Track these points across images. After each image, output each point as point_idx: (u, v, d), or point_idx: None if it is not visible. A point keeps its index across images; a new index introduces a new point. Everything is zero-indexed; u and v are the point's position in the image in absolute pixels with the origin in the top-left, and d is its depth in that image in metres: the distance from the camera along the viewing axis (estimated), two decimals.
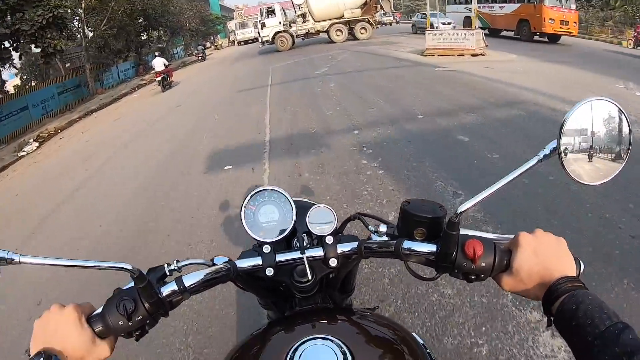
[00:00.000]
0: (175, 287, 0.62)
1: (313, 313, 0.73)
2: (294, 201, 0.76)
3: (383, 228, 0.69)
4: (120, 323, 0.58)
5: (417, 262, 0.65)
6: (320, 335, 0.58)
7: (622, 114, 0.56)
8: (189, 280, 0.63)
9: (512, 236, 0.61)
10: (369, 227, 0.71)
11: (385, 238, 0.69)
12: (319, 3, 19.55)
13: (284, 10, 21.49)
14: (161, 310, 0.61)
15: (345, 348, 0.56)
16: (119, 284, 0.63)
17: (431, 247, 0.63)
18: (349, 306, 0.89)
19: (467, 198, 0.77)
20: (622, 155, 0.57)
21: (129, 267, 0.57)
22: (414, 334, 0.72)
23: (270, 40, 20.52)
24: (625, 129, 0.57)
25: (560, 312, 0.51)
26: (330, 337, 0.58)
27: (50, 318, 0.56)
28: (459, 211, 0.57)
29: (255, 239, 0.73)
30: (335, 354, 0.55)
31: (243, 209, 0.74)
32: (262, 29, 20.82)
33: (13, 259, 0.55)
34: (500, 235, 0.64)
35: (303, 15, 20.43)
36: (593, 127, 0.56)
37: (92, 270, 1.00)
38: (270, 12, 20.95)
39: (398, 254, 0.64)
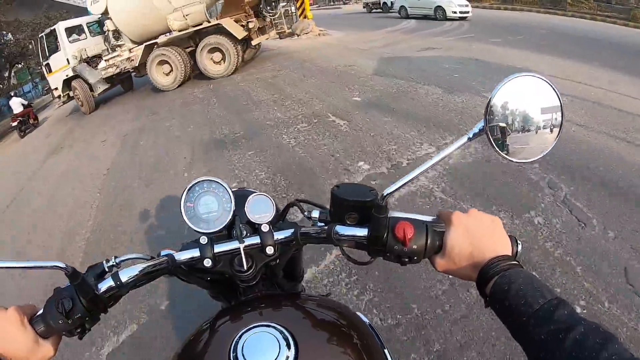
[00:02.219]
0: (112, 283, 0.62)
1: (258, 301, 0.73)
2: (233, 191, 0.73)
3: (315, 214, 0.69)
4: (60, 322, 0.57)
5: (350, 246, 0.66)
6: (262, 323, 0.58)
7: (551, 87, 0.56)
8: (126, 275, 0.62)
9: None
10: (304, 213, 0.72)
11: (320, 224, 0.68)
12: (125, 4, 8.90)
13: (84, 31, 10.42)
14: (100, 307, 0.61)
15: (287, 333, 0.56)
16: None
17: (362, 231, 0.63)
18: (299, 293, 0.88)
19: None
20: (554, 129, 0.57)
21: (62, 265, 0.58)
22: (359, 313, 0.74)
23: (62, 95, 10.36)
24: (555, 102, 0.57)
25: (493, 293, 0.50)
26: (272, 324, 0.58)
27: None
28: (385, 194, 0.59)
29: (196, 231, 0.70)
30: (277, 340, 0.55)
31: (182, 200, 0.71)
32: (47, 73, 10.68)
33: None
34: (435, 218, 0.62)
35: (114, 37, 9.69)
36: (520, 103, 0.56)
37: None
38: (51, 39, 10.19)
39: (330, 238, 0.64)
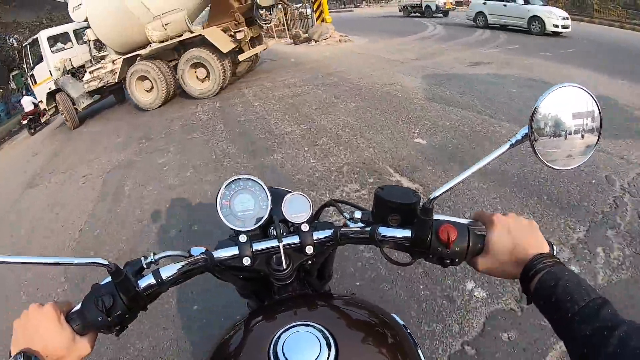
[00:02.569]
0: (152, 280, 0.62)
1: (293, 300, 0.73)
2: (269, 189, 0.74)
3: (358, 215, 0.69)
4: (99, 319, 0.57)
5: (392, 247, 0.66)
6: (302, 322, 0.59)
7: (591, 98, 0.58)
8: (166, 273, 0.63)
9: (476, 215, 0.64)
10: (344, 213, 0.71)
11: (360, 225, 0.68)
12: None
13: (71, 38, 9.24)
14: (140, 304, 0.61)
15: (327, 333, 0.56)
16: None
17: (406, 233, 0.63)
18: (331, 292, 0.89)
19: None
20: (593, 138, 0.59)
21: (104, 262, 0.56)
22: (393, 314, 0.73)
23: (47, 108, 9.37)
24: (595, 112, 0.59)
25: (539, 289, 0.51)
26: (311, 323, 0.58)
27: (29, 318, 0.56)
28: (431, 197, 0.59)
29: (232, 228, 0.71)
30: (318, 340, 0.55)
31: (218, 198, 0.72)
32: (33, 85, 9.70)
33: None
34: (472, 221, 0.64)
35: (96, 47, 8.43)
36: (563, 112, 0.58)
37: None
38: (35, 48, 9.18)
39: (373, 240, 0.65)
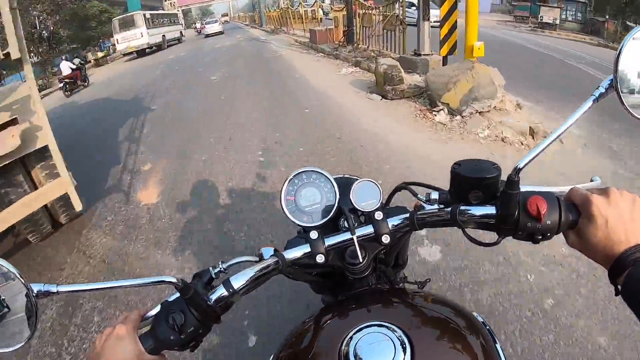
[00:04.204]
0: (224, 292, 0.59)
1: (367, 296, 0.70)
2: (335, 178, 0.71)
3: (435, 195, 0.63)
4: (171, 337, 0.55)
5: (476, 227, 0.61)
6: (376, 322, 0.56)
7: None
8: (238, 282, 0.60)
9: (569, 188, 0.58)
10: (418, 195, 0.66)
11: (437, 206, 0.63)
12: None
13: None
14: (212, 318, 0.58)
15: (402, 334, 0.54)
16: None
17: (490, 210, 0.58)
18: (403, 279, 0.81)
19: None
20: None
21: (172, 279, 0.55)
22: (474, 313, 0.68)
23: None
24: None
25: (628, 283, 0.49)
26: (386, 324, 0.55)
27: (108, 335, 0.56)
28: (518, 167, 0.54)
29: (300, 225, 0.68)
30: (393, 342, 0.52)
31: (283, 194, 0.69)
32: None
33: (50, 291, 0.53)
34: (560, 188, 0.59)
35: None
36: None
37: None
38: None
39: (455, 221, 0.60)
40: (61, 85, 11.72)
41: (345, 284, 0.73)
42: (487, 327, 0.66)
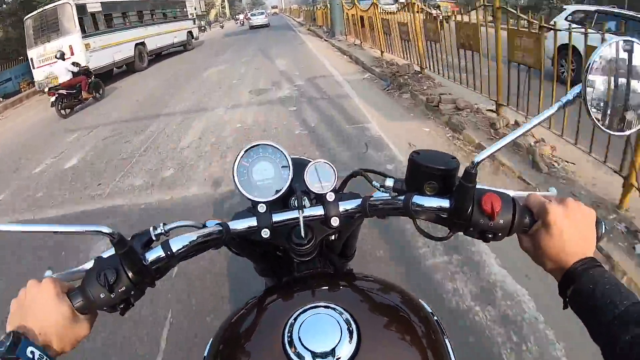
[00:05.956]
0: (161, 253, 0.56)
1: (313, 279, 0.69)
2: (292, 158, 0.69)
3: (390, 182, 0.63)
4: (101, 296, 0.52)
5: (428, 219, 0.60)
6: (322, 304, 0.56)
7: None
8: (177, 244, 0.57)
9: (527, 193, 0.59)
10: (373, 182, 0.66)
11: (391, 194, 0.62)
12: None
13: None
14: (147, 280, 0.55)
15: (349, 317, 0.53)
16: None
17: (443, 203, 0.57)
18: (353, 272, 0.80)
19: None
20: None
21: (107, 230, 0.50)
22: (421, 300, 0.68)
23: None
24: None
25: (577, 293, 0.49)
26: (332, 305, 0.55)
27: (26, 294, 0.52)
28: (476, 161, 0.53)
29: (249, 199, 0.66)
30: (339, 323, 0.52)
31: (236, 165, 0.67)
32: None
33: None
34: (518, 193, 0.59)
35: None
36: (621, 70, 0.53)
37: None
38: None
39: (407, 210, 0.58)
40: (53, 99, 7.20)
41: (289, 267, 0.72)
42: (436, 318, 0.66)
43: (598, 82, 0.53)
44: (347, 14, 11.61)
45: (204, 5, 52.69)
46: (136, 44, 12.37)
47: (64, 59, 7.93)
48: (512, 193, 0.58)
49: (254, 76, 8.78)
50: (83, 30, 10.10)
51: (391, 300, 0.64)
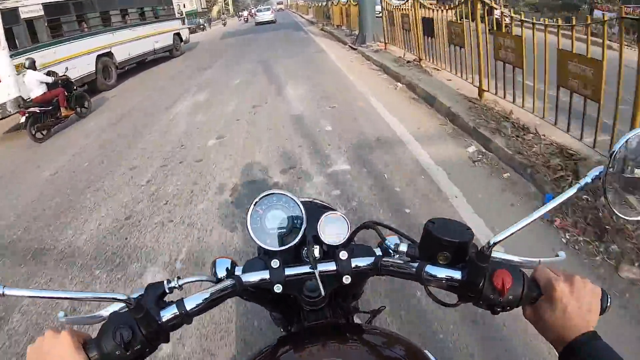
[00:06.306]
0: (176, 311, 0.58)
1: (323, 330, 0.71)
2: (303, 202, 0.70)
3: (403, 247, 0.64)
4: (117, 353, 0.53)
5: (439, 287, 0.61)
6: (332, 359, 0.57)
7: None
8: (191, 303, 0.59)
9: (537, 260, 0.61)
10: (386, 242, 0.67)
11: (404, 258, 0.64)
12: None
13: None
14: (161, 337, 0.57)
15: None
16: None
17: (455, 274, 0.58)
18: (356, 309, 0.87)
19: None
20: None
21: (123, 297, 0.54)
22: (426, 351, 0.69)
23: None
24: None
25: None
26: None
27: (44, 344, 0.53)
28: (492, 242, 0.54)
29: (262, 247, 0.67)
30: None
31: (249, 213, 0.68)
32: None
33: None
34: (528, 259, 0.61)
35: None
36: None
37: None
38: None
39: (419, 278, 0.60)
40: (23, 119, 5.78)
41: (299, 311, 0.74)
42: None
43: (620, 168, 0.53)
44: (386, 11, 8.25)
45: (206, 1, 49.77)
46: (98, 56, 9.47)
47: (35, 68, 6.32)
48: (522, 260, 0.60)
49: (248, 132, 4.75)
50: (13, 46, 7.10)
51: (397, 354, 0.66)
